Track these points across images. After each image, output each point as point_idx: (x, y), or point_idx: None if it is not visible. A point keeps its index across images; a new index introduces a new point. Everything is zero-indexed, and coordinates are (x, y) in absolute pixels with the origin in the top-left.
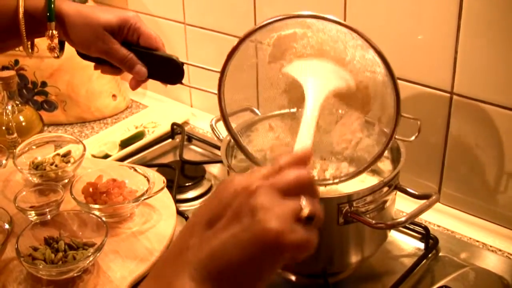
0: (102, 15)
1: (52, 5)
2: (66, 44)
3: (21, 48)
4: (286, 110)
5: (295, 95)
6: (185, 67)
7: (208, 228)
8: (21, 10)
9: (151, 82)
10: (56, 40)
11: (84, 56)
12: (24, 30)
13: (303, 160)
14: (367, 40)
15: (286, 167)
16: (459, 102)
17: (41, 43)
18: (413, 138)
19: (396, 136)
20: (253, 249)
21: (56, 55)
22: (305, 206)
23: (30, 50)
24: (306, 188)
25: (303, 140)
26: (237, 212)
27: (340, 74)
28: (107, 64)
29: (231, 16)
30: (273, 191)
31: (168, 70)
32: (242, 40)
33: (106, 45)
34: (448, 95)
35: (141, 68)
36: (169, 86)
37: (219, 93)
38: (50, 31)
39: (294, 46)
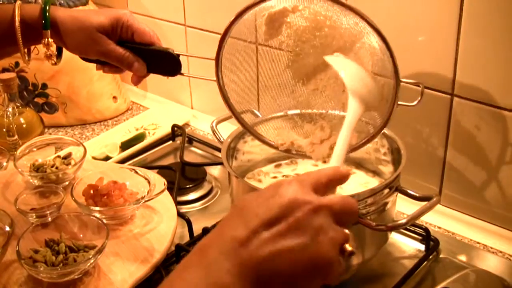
0: (94, 18)
1: (47, 13)
2: None
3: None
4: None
5: (299, 69)
6: (184, 65)
7: (265, 228)
8: (17, 18)
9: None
10: (52, 48)
11: (85, 58)
12: (20, 38)
13: (344, 179)
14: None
15: (333, 182)
16: (460, 104)
17: (41, 45)
18: (415, 102)
19: (399, 102)
20: (305, 267)
21: (53, 62)
22: (350, 240)
23: (26, 58)
24: (352, 218)
25: (339, 157)
26: (298, 225)
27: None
28: (108, 63)
29: (231, 17)
30: (330, 215)
31: (165, 63)
32: (234, 21)
33: (101, 46)
34: (449, 96)
35: (139, 65)
36: (169, 87)
37: (217, 75)
38: (46, 39)
39: (287, 20)
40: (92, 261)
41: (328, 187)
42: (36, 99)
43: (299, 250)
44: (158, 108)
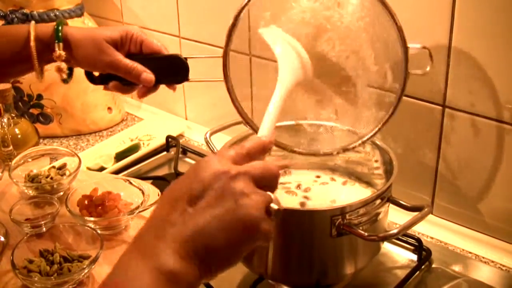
0: (104, 31)
1: (60, 28)
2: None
3: None
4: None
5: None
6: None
7: (190, 205)
8: (32, 37)
9: None
10: (63, 64)
11: (92, 80)
12: (35, 56)
13: (266, 148)
14: None
15: (252, 152)
16: (452, 115)
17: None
18: (428, 68)
19: (410, 71)
20: (236, 230)
21: (64, 76)
22: (275, 200)
23: (41, 76)
24: (273, 182)
25: (266, 128)
26: (219, 194)
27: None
28: (115, 82)
29: (226, 29)
30: (250, 179)
31: (173, 70)
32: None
33: (109, 57)
34: (440, 107)
35: (147, 75)
36: (164, 98)
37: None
38: (58, 52)
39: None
40: (86, 271)
41: (249, 157)
42: (31, 110)
43: (225, 215)
44: (153, 119)
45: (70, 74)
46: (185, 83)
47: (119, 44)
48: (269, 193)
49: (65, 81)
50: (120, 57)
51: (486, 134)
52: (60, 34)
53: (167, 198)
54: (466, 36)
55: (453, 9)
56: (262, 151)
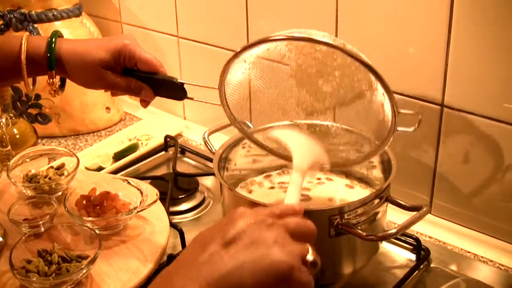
0: (96, 54)
1: (53, 52)
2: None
3: None
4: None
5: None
6: (177, 76)
7: (223, 248)
8: (23, 54)
9: None
10: (56, 85)
11: None
12: (25, 73)
13: (298, 213)
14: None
15: (285, 214)
16: (450, 114)
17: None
18: (412, 129)
19: (398, 128)
20: (267, 277)
21: (58, 95)
22: (311, 252)
23: (31, 88)
24: (310, 237)
25: (292, 198)
26: (254, 240)
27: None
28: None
29: (224, 29)
30: (286, 230)
31: (170, 90)
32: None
33: (107, 81)
34: (439, 107)
35: (146, 91)
36: (162, 98)
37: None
38: (51, 80)
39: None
40: (84, 271)
41: (281, 218)
42: (29, 110)
43: (257, 260)
44: (151, 118)
45: (62, 85)
46: (184, 81)
47: (113, 64)
48: (307, 244)
49: (56, 93)
50: (117, 79)
51: (484, 134)
52: (53, 60)
53: (199, 242)
54: (465, 36)
55: (451, 8)
56: (295, 214)
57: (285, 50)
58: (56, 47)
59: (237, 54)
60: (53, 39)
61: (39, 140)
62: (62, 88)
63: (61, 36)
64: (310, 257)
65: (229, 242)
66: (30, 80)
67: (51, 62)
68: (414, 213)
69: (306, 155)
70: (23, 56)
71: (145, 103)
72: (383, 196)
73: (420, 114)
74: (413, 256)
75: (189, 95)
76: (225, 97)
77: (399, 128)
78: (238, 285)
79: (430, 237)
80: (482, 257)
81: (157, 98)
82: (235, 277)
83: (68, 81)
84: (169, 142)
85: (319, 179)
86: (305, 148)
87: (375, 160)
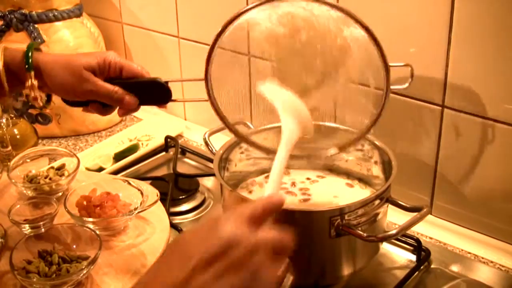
0: (81, 58)
1: (30, 55)
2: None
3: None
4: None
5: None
6: (177, 76)
7: (205, 267)
8: (0, 63)
9: None
10: (36, 91)
11: (69, 103)
12: (5, 82)
13: (279, 207)
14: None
15: (267, 212)
16: (451, 115)
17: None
18: (406, 85)
19: (392, 87)
20: None
21: (41, 104)
22: (289, 275)
23: (16, 99)
24: (288, 249)
25: (274, 187)
26: (238, 264)
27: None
28: (95, 103)
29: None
30: (269, 251)
31: (155, 93)
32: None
33: (90, 84)
34: (440, 107)
35: (130, 99)
36: None
37: (208, 93)
38: (30, 81)
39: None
40: (85, 272)
41: (263, 218)
42: (30, 110)
43: (241, 286)
44: (152, 119)
45: (49, 100)
46: (183, 83)
47: (97, 71)
48: (284, 263)
49: (43, 107)
50: (100, 82)
51: (484, 135)
52: (30, 61)
53: (177, 252)
54: (465, 37)
55: (452, 9)
56: (274, 210)
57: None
58: (34, 56)
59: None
60: (30, 47)
61: (40, 141)
62: (48, 102)
63: (38, 49)
64: (288, 282)
65: (211, 261)
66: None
67: (28, 63)
68: (415, 214)
69: (296, 129)
70: (0, 63)
71: (122, 111)
72: (383, 197)
73: (410, 66)
74: (413, 257)
75: (188, 96)
76: (212, 90)
77: (393, 87)
78: None
79: (430, 238)
80: (482, 258)
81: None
82: None
83: None
84: (170, 142)
85: (319, 177)
86: (294, 114)
87: (376, 158)
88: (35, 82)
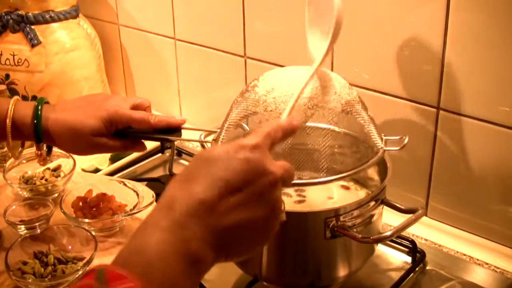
0: (87, 123)
1: (40, 121)
2: (57, 57)
3: (11, 62)
4: None
5: None
6: (174, 78)
7: (232, 193)
8: (8, 123)
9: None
10: (44, 154)
11: None
12: (10, 140)
13: (296, 130)
14: None
15: (285, 134)
16: (446, 117)
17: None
18: (398, 148)
19: (385, 148)
20: (264, 235)
21: (46, 164)
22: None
23: (17, 154)
24: (291, 183)
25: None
26: (261, 197)
27: None
28: None
29: (221, 31)
30: (282, 184)
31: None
32: None
33: (100, 148)
34: (435, 110)
35: (139, 146)
36: (159, 100)
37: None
38: (39, 152)
39: None
40: (80, 272)
41: (281, 140)
42: None
43: (259, 220)
44: None
45: (49, 151)
46: (181, 83)
47: (105, 131)
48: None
49: (44, 162)
50: (110, 143)
51: (481, 137)
52: (40, 133)
53: (205, 167)
54: (461, 39)
55: (447, 11)
56: (291, 134)
57: None
58: (43, 119)
59: None
60: (39, 107)
61: None
62: (49, 153)
63: (47, 102)
64: (283, 215)
65: (239, 188)
66: (18, 143)
67: (38, 134)
68: (410, 215)
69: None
70: (8, 123)
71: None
72: (378, 199)
73: (404, 137)
74: (408, 259)
75: (184, 96)
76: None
77: (386, 148)
78: (235, 239)
79: (425, 240)
80: (477, 259)
81: (154, 100)
82: (235, 231)
83: (62, 85)
84: (166, 144)
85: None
86: None
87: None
88: (45, 153)
